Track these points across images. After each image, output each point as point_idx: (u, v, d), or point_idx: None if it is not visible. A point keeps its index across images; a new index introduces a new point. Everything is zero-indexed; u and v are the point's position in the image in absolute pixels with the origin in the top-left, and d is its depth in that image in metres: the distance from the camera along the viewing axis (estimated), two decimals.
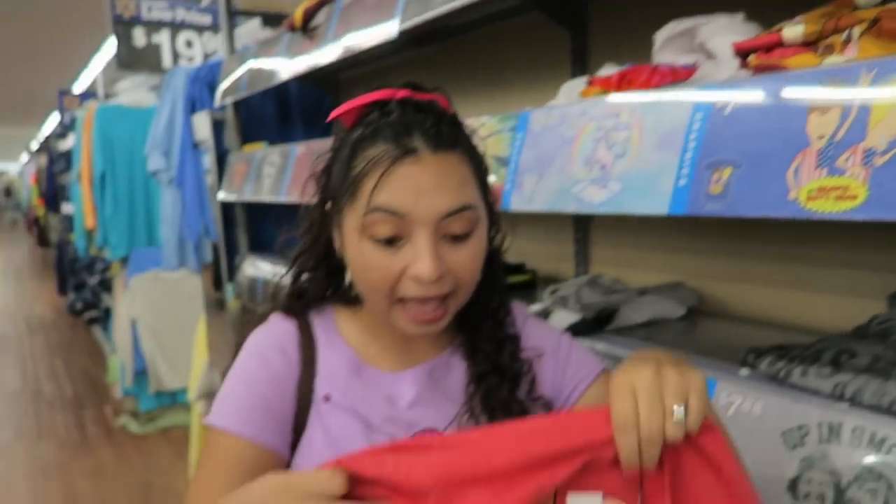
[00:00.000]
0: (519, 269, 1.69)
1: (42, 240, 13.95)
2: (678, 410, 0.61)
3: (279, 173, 2.14)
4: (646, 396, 0.62)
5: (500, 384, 0.84)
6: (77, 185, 4.63)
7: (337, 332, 0.88)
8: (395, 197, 0.73)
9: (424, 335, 0.81)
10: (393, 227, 0.74)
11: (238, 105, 2.70)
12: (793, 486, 0.75)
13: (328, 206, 0.83)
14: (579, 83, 1.27)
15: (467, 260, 0.76)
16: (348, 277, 0.84)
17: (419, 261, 0.73)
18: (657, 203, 0.88)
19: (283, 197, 2.07)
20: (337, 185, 0.80)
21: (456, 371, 0.87)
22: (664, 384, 0.63)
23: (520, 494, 0.62)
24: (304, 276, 0.89)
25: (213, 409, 0.82)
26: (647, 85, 1.04)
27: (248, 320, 2.80)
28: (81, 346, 6.46)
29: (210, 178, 2.91)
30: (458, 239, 0.76)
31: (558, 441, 0.64)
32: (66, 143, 6.98)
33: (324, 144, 1.97)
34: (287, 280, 0.91)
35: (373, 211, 0.74)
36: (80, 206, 4.53)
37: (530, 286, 1.64)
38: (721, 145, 0.82)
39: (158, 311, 4.09)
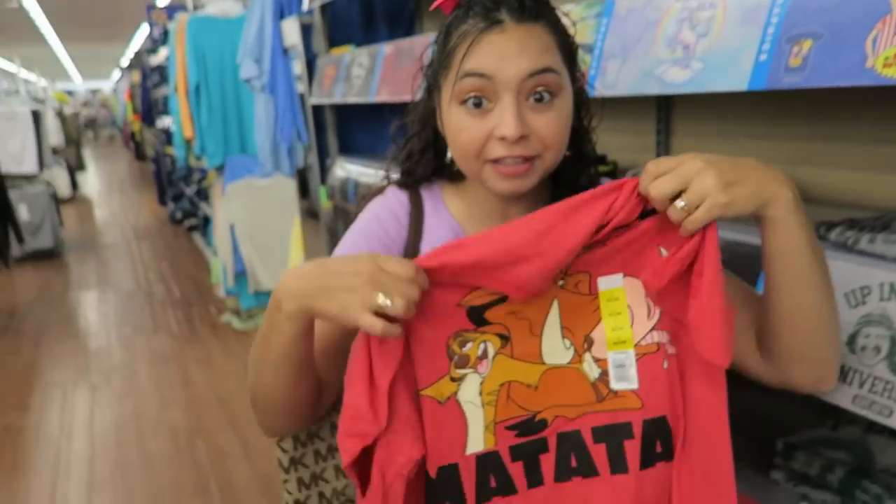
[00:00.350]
0: (601, 160, 1.73)
1: (139, 154, 14.67)
2: (682, 203, 0.68)
3: (368, 74, 2.22)
4: (666, 168, 0.70)
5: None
6: (174, 96, 4.85)
7: (443, 204, 0.97)
8: (482, 61, 0.80)
9: (513, 194, 0.86)
10: (479, 90, 0.81)
11: (325, 9, 2.77)
12: (851, 340, 0.81)
13: (432, 85, 0.91)
14: None
15: (551, 123, 0.81)
16: (449, 154, 0.92)
17: (503, 121, 0.80)
18: (737, 80, 0.91)
19: (372, 98, 2.15)
20: (436, 65, 0.88)
21: None
22: (698, 176, 0.68)
23: (561, 255, 0.71)
24: (414, 158, 0.97)
25: None
26: None
27: (341, 219, 2.96)
28: (184, 252, 6.93)
29: (300, 83, 3.01)
30: (541, 103, 0.81)
31: (590, 200, 0.73)
32: (158, 58, 7.21)
33: (411, 43, 2.04)
34: (396, 165, 1.00)
35: (462, 77, 0.81)
36: (178, 117, 4.75)
37: (612, 177, 1.68)
38: (803, 18, 0.84)
39: (254, 216, 4.33)
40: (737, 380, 1.43)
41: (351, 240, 0.94)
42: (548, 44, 0.82)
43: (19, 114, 6.68)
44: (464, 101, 0.82)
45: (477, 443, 0.76)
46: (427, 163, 0.97)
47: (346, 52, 2.57)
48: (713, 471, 0.76)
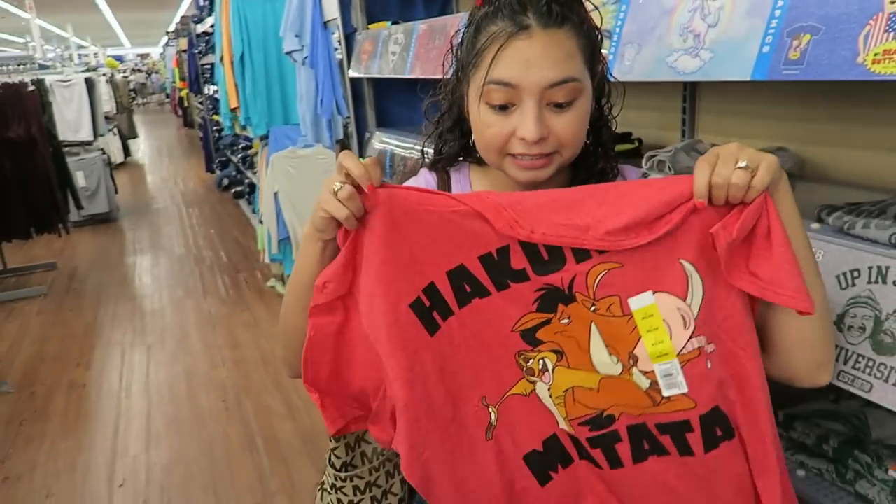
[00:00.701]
0: (625, 137, 1.77)
1: (187, 121, 14.99)
2: (744, 163, 0.74)
3: (403, 51, 2.28)
4: (723, 154, 0.76)
5: None
6: (220, 66, 4.97)
7: (469, 184, 1.04)
8: (508, 70, 0.86)
9: (533, 183, 0.92)
10: (505, 96, 0.87)
11: None
12: (840, 320, 0.86)
13: (461, 74, 0.96)
14: None
15: (568, 125, 0.88)
16: (473, 137, 0.99)
17: (525, 124, 0.86)
18: (742, 70, 0.96)
19: (407, 74, 2.22)
20: (465, 57, 0.93)
21: None
22: (740, 153, 0.75)
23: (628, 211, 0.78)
24: (443, 138, 1.05)
25: None
26: None
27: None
28: (231, 218, 7.15)
29: (339, 56, 3.08)
30: (560, 107, 0.87)
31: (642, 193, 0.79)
32: (204, 26, 7.34)
33: (444, 21, 2.09)
34: (430, 143, 1.07)
35: (489, 83, 0.87)
36: (224, 87, 4.88)
37: (636, 154, 1.73)
38: (804, 12, 0.88)
39: (296, 184, 4.45)
40: None
41: None
42: (570, 50, 0.87)
43: (75, 82, 6.90)
44: (489, 104, 0.89)
45: (564, 425, 0.86)
46: (454, 142, 1.04)
47: (383, 27, 2.63)
48: (758, 431, 0.82)
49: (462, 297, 0.83)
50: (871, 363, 0.82)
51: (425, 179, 1.05)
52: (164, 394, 3.46)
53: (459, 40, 0.97)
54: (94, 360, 3.93)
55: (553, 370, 0.84)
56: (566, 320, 0.82)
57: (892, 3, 0.76)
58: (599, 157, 1.00)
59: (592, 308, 0.82)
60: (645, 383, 0.82)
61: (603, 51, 1.28)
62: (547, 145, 0.88)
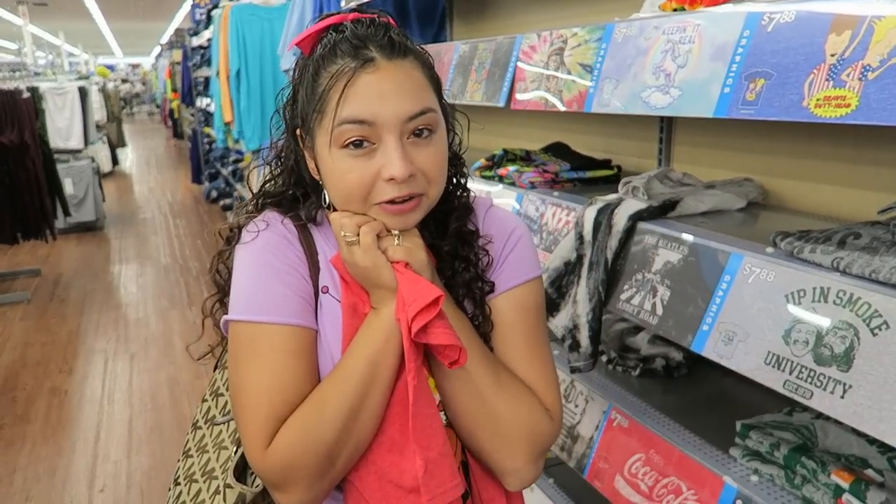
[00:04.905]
0: (605, 164, 1.88)
1: (176, 132, 15.02)
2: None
3: None
4: None
5: (461, 273, 0.93)
6: (216, 80, 5.06)
7: (332, 232, 0.92)
8: (361, 107, 0.80)
9: (402, 229, 0.87)
10: (362, 135, 0.80)
11: (361, 6, 2.92)
12: (787, 334, 0.96)
13: (298, 131, 0.90)
14: None
15: (432, 158, 0.83)
16: (326, 198, 0.90)
17: (390, 162, 0.80)
18: (705, 108, 1.06)
19: None
20: (305, 106, 0.86)
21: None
22: None
23: None
24: (291, 205, 0.95)
25: (237, 307, 0.87)
26: (714, 1, 1.18)
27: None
28: None
29: None
30: (421, 140, 0.83)
31: None
32: (200, 39, 7.43)
33: (437, 48, 2.17)
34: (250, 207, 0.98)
35: (342, 124, 0.80)
36: (219, 100, 4.97)
37: (615, 180, 1.83)
38: (759, 59, 0.98)
39: None
40: (706, 364, 1.57)
41: (256, 283, 0.88)
42: (420, 81, 0.84)
43: (68, 90, 6.96)
44: (345, 145, 0.82)
45: None
46: (286, 207, 0.95)
47: None
48: None
49: None
50: (812, 373, 0.91)
51: (285, 227, 0.93)
52: (147, 402, 3.49)
53: (289, 97, 0.92)
54: (77, 366, 3.95)
55: None
56: None
57: (833, 56, 0.87)
58: (453, 194, 0.97)
59: None
60: None
61: (585, 83, 1.39)
62: (416, 184, 0.83)
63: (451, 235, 0.94)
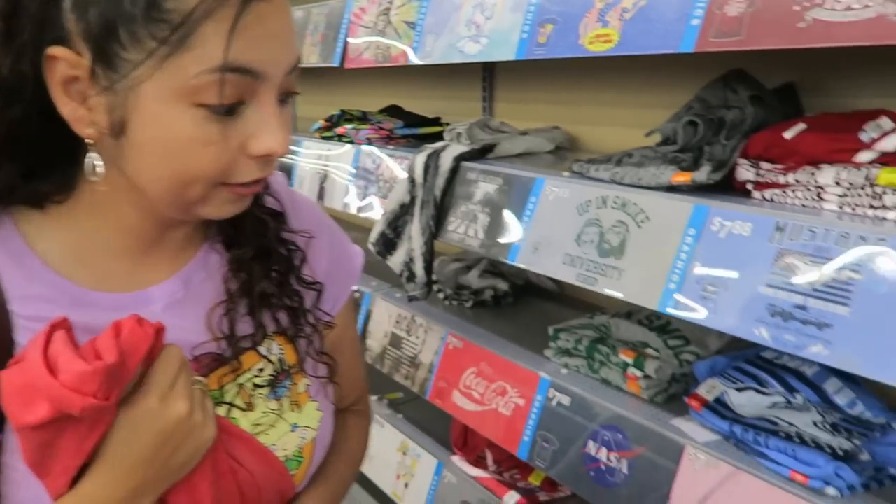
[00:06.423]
0: (436, 121, 2.04)
1: None
2: None
3: None
4: None
5: (266, 267, 0.73)
6: None
7: (26, 248, 0.63)
8: (254, 51, 0.56)
9: (231, 216, 0.66)
10: (238, 92, 0.57)
11: None
12: (578, 237, 1.16)
13: (61, 51, 0.56)
14: None
15: (290, 126, 0.62)
16: (98, 168, 0.60)
17: (270, 131, 0.59)
18: (508, 52, 1.24)
19: None
20: (114, 16, 0.54)
21: (216, 269, 0.73)
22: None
23: None
24: None
25: None
26: None
27: None
28: None
29: None
30: (284, 105, 0.62)
31: None
32: None
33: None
34: None
35: (223, 71, 0.55)
36: None
37: (441, 136, 2.00)
38: (548, 9, 1.18)
39: None
40: (529, 293, 1.78)
41: None
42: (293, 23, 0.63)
43: None
44: (206, 104, 0.56)
45: None
46: (5, 180, 0.61)
47: None
48: None
49: None
50: (595, 265, 1.11)
51: None
52: None
53: None
54: None
55: None
56: None
57: (601, 1, 1.07)
58: None
59: None
60: None
61: (409, 39, 1.54)
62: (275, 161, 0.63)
63: (247, 218, 0.70)
